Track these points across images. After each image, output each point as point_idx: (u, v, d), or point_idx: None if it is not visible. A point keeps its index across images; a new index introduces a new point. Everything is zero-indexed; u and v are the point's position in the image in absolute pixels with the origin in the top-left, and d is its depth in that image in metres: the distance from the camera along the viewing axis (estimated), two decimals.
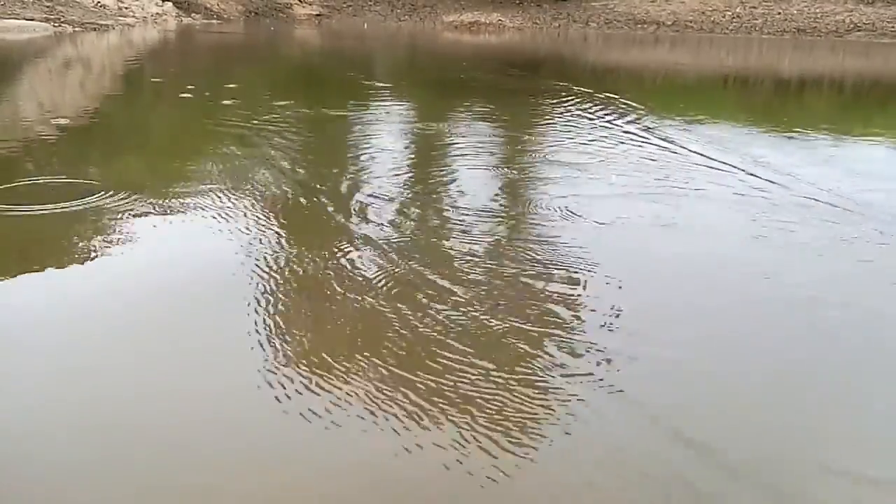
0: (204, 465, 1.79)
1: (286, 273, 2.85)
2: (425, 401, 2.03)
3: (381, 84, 9.15)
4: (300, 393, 2.06)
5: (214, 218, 3.45)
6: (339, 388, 2.08)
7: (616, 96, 7.83)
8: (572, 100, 7.63)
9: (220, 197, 3.77)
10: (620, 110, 6.99)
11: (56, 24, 13.80)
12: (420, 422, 1.94)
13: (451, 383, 2.11)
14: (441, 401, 2.03)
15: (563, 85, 8.81)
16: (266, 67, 10.99)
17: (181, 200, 3.69)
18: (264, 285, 2.72)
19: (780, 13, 19.20)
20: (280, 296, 2.65)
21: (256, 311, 2.52)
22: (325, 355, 2.25)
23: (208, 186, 3.96)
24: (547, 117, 6.84)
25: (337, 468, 1.79)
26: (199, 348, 2.32)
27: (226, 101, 6.63)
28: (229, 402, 2.04)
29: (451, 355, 2.26)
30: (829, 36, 18.13)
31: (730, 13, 19.50)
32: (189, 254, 3.11)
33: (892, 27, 18.01)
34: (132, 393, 2.06)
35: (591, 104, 7.31)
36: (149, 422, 1.93)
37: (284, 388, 2.07)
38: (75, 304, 2.61)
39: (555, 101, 7.61)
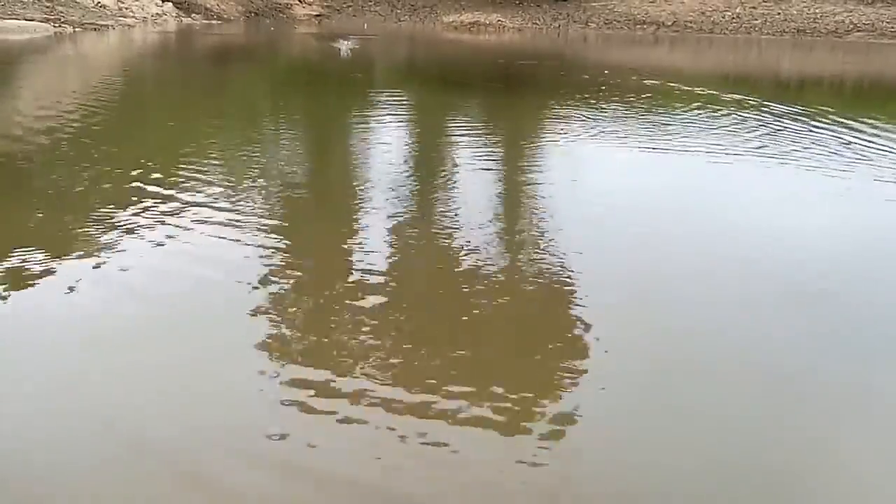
0: (208, 466, 1.78)
1: None
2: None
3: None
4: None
5: None
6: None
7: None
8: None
9: None
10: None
11: (56, 25, 13.79)
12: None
13: None
14: None
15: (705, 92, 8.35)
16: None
17: None
18: None
19: (779, 13, 19.21)
20: None
21: None
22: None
23: None
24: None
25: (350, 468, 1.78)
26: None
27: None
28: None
29: None
30: (828, 36, 18.13)
31: (730, 13, 19.51)
32: None
33: (892, 27, 18.02)
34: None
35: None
36: (150, 421, 1.93)
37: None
38: None
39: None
